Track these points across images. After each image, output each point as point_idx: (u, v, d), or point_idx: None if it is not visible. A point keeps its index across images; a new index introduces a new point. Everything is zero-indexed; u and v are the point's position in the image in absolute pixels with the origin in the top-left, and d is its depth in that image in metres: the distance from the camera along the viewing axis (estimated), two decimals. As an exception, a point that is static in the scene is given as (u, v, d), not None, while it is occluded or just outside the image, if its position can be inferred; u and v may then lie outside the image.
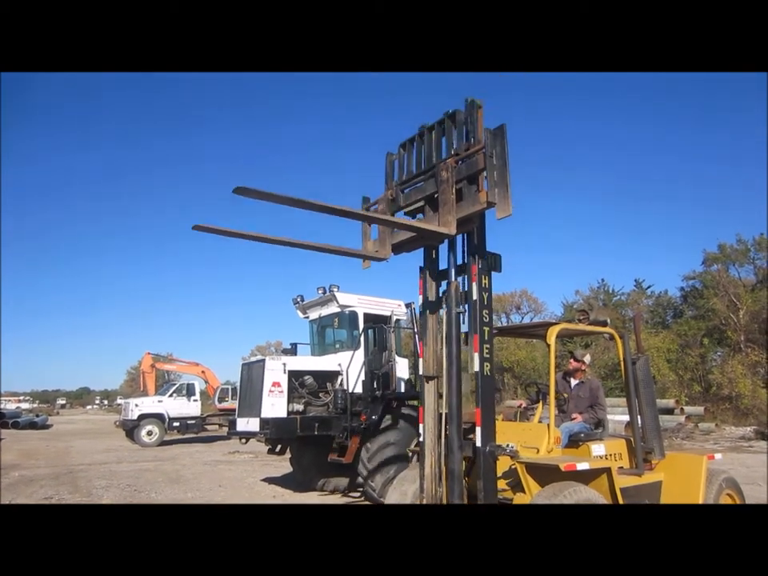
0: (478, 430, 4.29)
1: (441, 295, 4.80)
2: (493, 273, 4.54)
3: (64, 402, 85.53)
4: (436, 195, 4.38)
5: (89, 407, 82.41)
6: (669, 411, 17.71)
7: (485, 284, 4.44)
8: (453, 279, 4.59)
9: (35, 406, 63.94)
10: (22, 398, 67.68)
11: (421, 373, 4.79)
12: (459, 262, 4.63)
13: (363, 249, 4.93)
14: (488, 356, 4.34)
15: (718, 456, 5.90)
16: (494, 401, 4.52)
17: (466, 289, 4.54)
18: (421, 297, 4.93)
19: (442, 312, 4.66)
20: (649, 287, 32.31)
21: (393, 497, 5.32)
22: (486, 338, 4.35)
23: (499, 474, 4.94)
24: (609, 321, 5.76)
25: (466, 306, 4.50)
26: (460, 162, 4.30)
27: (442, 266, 4.81)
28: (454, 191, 4.21)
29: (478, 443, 4.27)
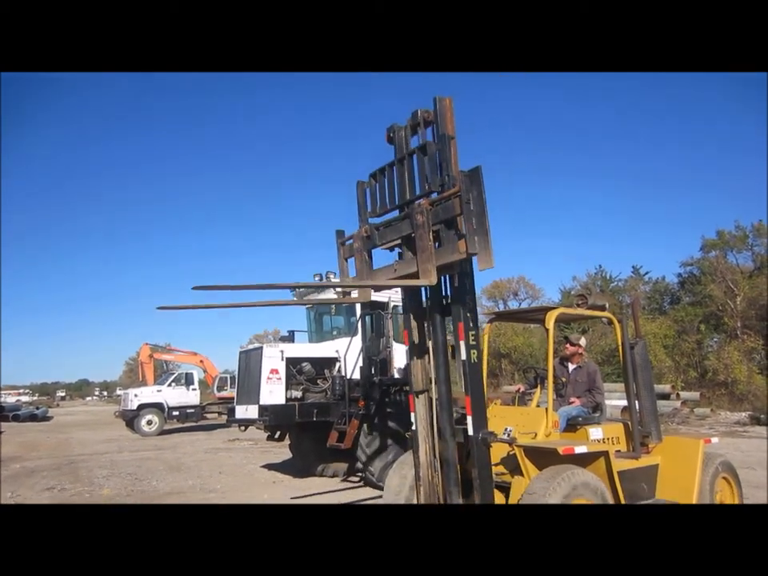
0: (469, 418, 4.25)
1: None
2: (475, 257, 4.33)
3: (63, 394, 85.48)
4: (412, 235, 4.20)
5: (88, 399, 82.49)
6: (665, 396, 17.79)
7: (466, 269, 4.29)
8: None
9: (35, 398, 63.97)
10: (21, 390, 67.62)
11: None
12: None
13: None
14: (474, 343, 4.25)
15: (714, 440, 5.93)
16: (484, 388, 4.47)
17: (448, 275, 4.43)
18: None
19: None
20: (646, 273, 32.39)
21: (392, 481, 5.35)
22: (471, 324, 4.27)
23: (498, 459, 4.97)
24: (607, 305, 5.77)
25: (449, 292, 4.42)
26: (436, 204, 4.10)
27: None
28: (431, 236, 4.03)
29: (470, 431, 4.25)
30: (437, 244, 4.12)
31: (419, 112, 4.37)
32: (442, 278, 4.45)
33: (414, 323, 4.73)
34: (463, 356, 4.24)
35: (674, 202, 58.10)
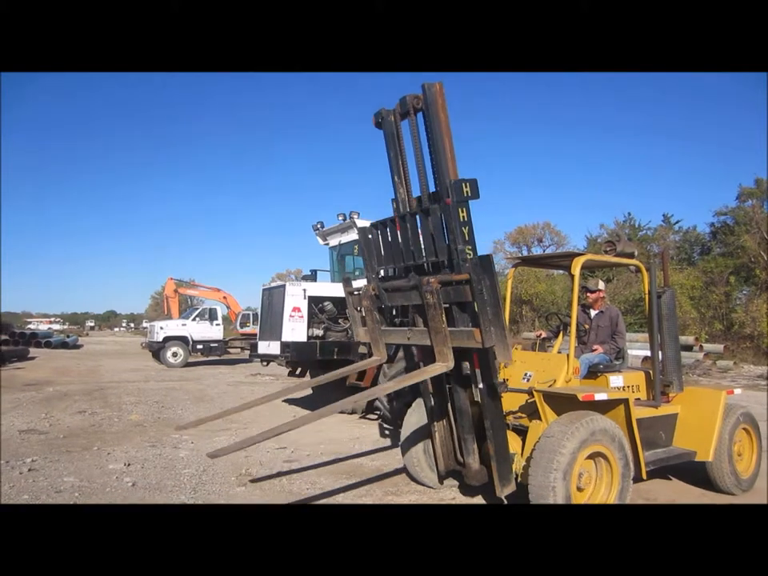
0: (478, 372, 4.25)
1: None
2: (473, 202, 4.01)
3: (93, 324, 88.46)
4: (422, 305, 4.07)
5: (116, 329, 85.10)
6: (688, 348, 17.60)
7: (463, 218, 3.93)
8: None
9: (65, 327, 66.40)
10: (53, 319, 70.25)
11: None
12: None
13: (355, 336, 5.10)
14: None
15: (737, 391, 5.87)
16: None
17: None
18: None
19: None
20: (677, 222, 31.38)
21: (411, 420, 5.45)
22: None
23: (516, 403, 4.99)
24: (636, 252, 5.60)
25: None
26: (446, 284, 3.93)
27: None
28: (443, 318, 3.91)
29: (479, 384, 4.26)
30: (450, 319, 4.04)
31: (408, 98, 4.06)
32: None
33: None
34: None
35: (711, 149, 55.52)
